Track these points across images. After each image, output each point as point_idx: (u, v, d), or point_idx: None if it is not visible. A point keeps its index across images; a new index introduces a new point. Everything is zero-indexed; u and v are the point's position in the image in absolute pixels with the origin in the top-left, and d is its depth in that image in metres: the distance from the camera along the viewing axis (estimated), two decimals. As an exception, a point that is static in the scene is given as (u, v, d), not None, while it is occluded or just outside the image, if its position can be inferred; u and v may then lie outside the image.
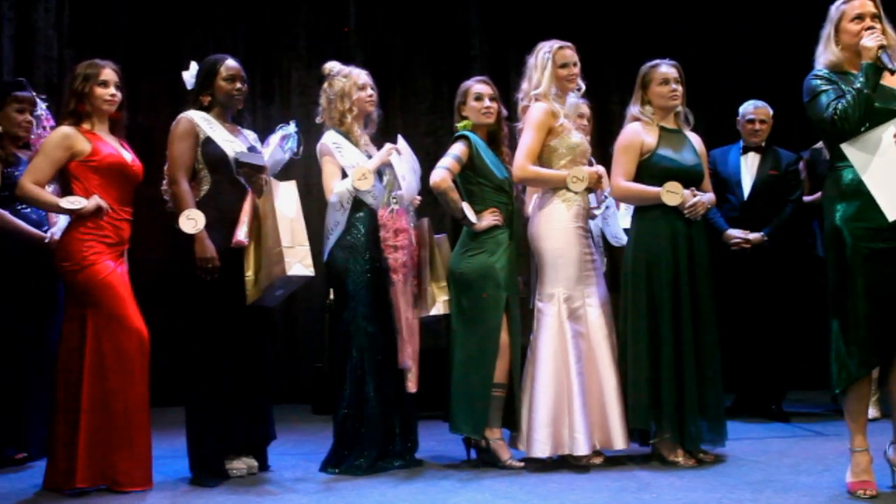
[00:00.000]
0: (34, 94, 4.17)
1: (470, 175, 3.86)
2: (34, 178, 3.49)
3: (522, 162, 3.79)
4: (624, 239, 4.13)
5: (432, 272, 3.88)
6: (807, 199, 5.01)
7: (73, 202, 3.44)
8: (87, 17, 5.50)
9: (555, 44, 3.87)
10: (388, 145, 3.88)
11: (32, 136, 4.07)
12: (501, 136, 4.01)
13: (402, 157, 3.84)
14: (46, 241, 3.95)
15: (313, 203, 4.01)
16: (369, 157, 3.86)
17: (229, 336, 3.61)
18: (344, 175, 3.81)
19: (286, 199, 3.63)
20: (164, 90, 5.41)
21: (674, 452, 3.74)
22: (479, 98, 3.91)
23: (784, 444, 4.21)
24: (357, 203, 3.79)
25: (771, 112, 5.05)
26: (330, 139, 3.85)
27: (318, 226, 3.86)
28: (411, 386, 3.75)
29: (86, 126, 3.57)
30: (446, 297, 3.87)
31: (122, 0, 5.88)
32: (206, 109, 3.73)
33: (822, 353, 5.57)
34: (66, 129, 3.53)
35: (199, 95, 3.73)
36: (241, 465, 3.68)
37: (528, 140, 3.80)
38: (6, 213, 3.95)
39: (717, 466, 3.70)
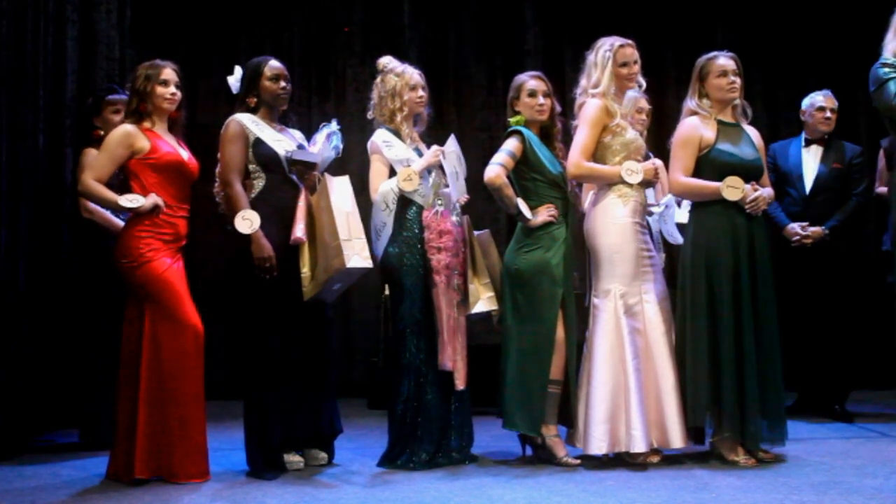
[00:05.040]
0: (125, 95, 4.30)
1: (524, 170, 3.84)
2: (96, 174, 3.57)
3: (577, 158, 3.76)
4: (679, 237, 4.06)
5: (474, 269, 3.86)
6: (881, 190, 4.83)
7: (132, 200, 3.51)
8: (148, 18, 5.61)
9: (616, 41, 3.80)
10: (434, 148, 3.87)
11: None
12: (555, 131, 3.97)
13: (448, 158, 3.82)
14: None
15: (369, 199, 4.04)
16: (419, 154, 3.87)
17: (288, 332, 3.64)
18: (392, 172, 3.82)
19: (341, 193, 3.66)
20: (223, 88, 5.48)
21: (734, 451, 3.68)
22: (532, 94, 3.88)
23: (848, 445, 4.10)
24: (408, 201, 3.80)
25: (836, 103, 4.92)
26: (380, 137, 3.86)
27: (372, 222, 3.87)
28: (459, 384, 3.75)
29: (146, 125, 3.64)
30: (490, 294, 3.85)
31: (181, 1, 6.00)
32: (253, 111, 3.78)
33: (888, 352, 5.45)
34: (127, 128, 3.60)
35: (245, 97, 3.79)
36: (297, 458, 3.72)
37: (582, 136, 3.77)
38: (101, 210, 4.11)
39: (779, 467, 3.63)
